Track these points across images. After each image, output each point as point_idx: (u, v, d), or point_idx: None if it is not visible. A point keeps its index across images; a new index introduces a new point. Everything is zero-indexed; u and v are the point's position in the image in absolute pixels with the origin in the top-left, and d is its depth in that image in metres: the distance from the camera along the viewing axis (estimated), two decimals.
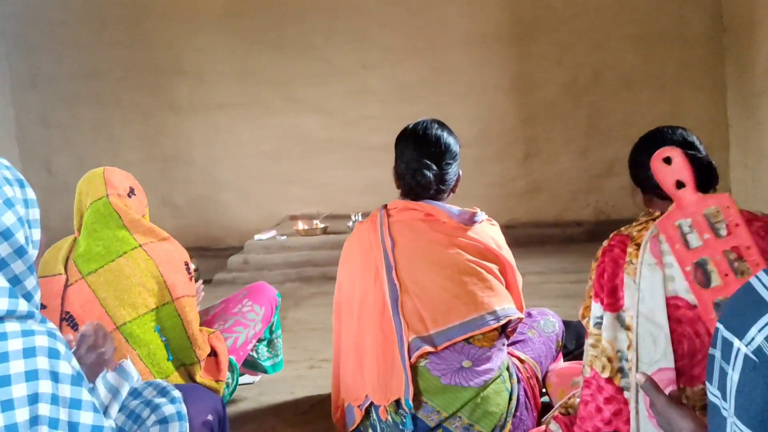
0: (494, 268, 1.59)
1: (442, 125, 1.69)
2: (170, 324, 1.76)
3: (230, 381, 1.94)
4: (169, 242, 1.82)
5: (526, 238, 5.15)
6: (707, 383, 0.59)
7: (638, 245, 1.18)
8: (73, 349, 1.18)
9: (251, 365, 2.20)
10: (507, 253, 1.64)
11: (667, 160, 0.99)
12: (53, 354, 0.77)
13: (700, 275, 0.87)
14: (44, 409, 0.74)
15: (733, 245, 0.92)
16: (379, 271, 1.61)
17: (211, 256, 5.63)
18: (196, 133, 5.86)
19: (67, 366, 0.79)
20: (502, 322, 1.56)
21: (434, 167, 1.62)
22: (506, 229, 1.73)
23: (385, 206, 1.70)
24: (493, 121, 5.52)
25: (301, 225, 5.01)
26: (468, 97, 5.51)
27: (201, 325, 2.03)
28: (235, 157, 5.86)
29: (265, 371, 2.22)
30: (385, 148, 5.88)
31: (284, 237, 4.87)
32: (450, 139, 1.66)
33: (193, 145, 5.88)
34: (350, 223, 4.85)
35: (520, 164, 5.56)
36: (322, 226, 4.97)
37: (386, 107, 5.65)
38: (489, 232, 1.62)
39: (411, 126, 1.69)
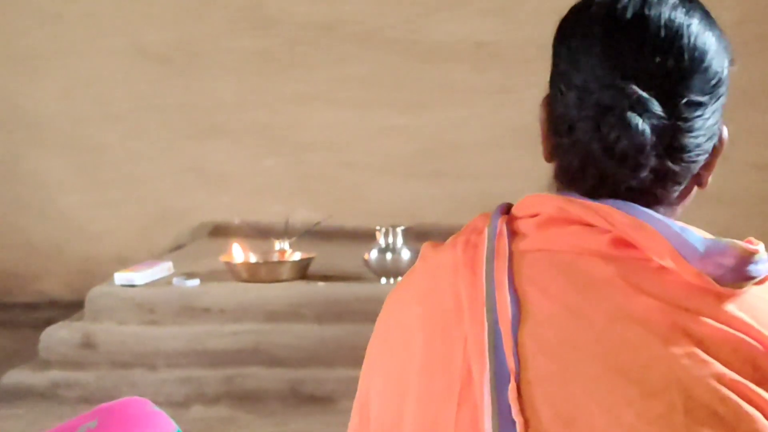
0: None
1: (690, 5, 1.66)
2: None
3: None
4: None
5: None
6: None
7: None
8: None
9: None
10: None
11: None
12: None
13: None
14: None
15: None
16: (473, 384, 1.60)
17: None
18: None
19: None
20: None
21: (658, 108, 1.60)
22: None
23: (507, 209, 1.69)
24: None
25: (238, 251, 5.05)
26: None
27: None
28: (74, 62, 5.99)
29: None
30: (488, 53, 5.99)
31: (195, 282, 4.91)
32: (709, 41, 1.62)
33: None
34: (371, 253, 4.87)
35: None
36: (296, 256, 5.01)
37: None
38: None
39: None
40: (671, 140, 1.58)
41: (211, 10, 5.87)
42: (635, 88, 1.57)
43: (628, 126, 1.56)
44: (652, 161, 1.57)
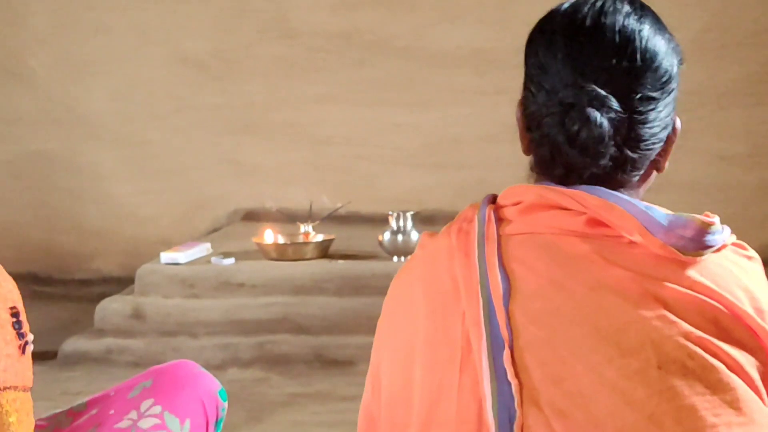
0: (745, 360, 1.57)
1: (642, 9, 1.67)
2: None
3: None
4: None
5: None
6: None
7: None
8: None
9: None
10: None
11: None
12: None
13: None
14: None
15: None
16: (472, 352, 1.61)
17: (56, 296, 5.77)
18: (35, 3, 6.02)
19: None
20: None
21: (615, 103, 1.60)
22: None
23: (493, 199, 1.73)
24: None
25: (268, 234, 5.06)
26: None
27: None
28: (123, 68, 6.00)
29: None
30: (476, 59, 6.00)
31: (231, 260, 4.93)
32: (658, 44, 1.62)
33: (30, 33, 6.04)
34: (385, 235, 4.87)
35: None
36: (319, 238, 5.01)
37: None
38: (740, 277, 1.59)
39: (566, 7, 1.67)
40: (628, 131, 1.59)
41: (242, 22, 5.89)
42: (594, 86, 1.57)
43: (587, 120, 1.56)
44: (612, 150, 1.58)
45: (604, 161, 1.58)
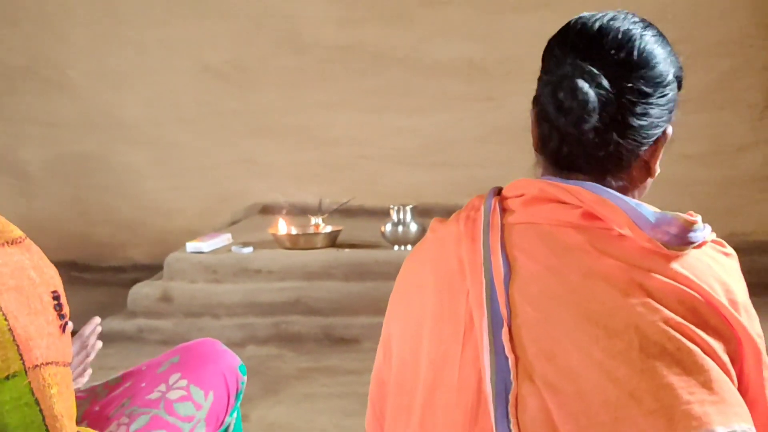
0: (718, 346, 1.57)
1: (649, 24, 1.66)
2: (18, 419, 1.77)
3: None
4: (22, 249, 1.82)
5: (765, 273, 5.09)
6: None
7: None
8: None
9: None
10: (749, 318, 1.60)
11: None
12: None
13: None
14: None
15: None
16: (474, 328, 1.61)
17: (92, 282, 5.80)
18: (74, 21, 6.02)
19: None
20: None
21: (605, 81, 1.59)
22: None
23: (499, 191, 1.73)
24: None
25: (282, 225, 5.07)
26: None
27: (82, 422, 2.07)
28: (153, 78, 6.02)
29: None
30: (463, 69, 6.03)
31: (249, 249, 4.96)
32: (657, 49, 1.62)
33: (70, 47, 6.05)
34: (386, 227, 4.88)
35: (756, 116, 5.59)
36: (327, 229, 5.03)
37: None
38: (717, 271, 1.60)
39: (582, 15, 1.66)
40: (615, 113, 1.59)
41: (259, 36, 5.91)
42: (589, 65, 1.58)
43: (576, 88, 1.57)
44: (596, 121, 1.57)
45: (587, 126, 1.57)
